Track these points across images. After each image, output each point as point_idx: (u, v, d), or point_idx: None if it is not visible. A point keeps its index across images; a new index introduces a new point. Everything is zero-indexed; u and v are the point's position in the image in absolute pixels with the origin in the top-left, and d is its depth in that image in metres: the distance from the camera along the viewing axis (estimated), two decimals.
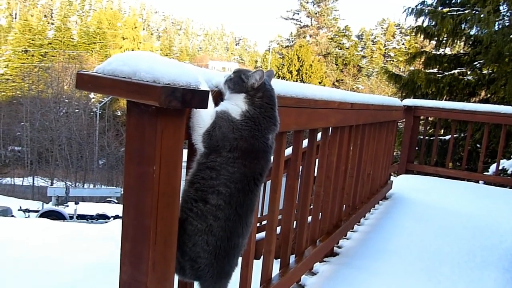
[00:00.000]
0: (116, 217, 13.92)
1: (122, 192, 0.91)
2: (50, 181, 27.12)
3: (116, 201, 19.30)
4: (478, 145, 7.63)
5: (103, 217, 14.30)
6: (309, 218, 2.13)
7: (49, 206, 16.17)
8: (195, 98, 0.80)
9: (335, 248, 2.51)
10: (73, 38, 45.76)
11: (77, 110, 31.77)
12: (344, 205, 2.62)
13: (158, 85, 0.75)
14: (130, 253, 0.88)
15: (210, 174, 0.99)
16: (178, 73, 0.81)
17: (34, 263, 3.26)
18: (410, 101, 4.90)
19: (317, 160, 2.11)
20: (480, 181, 5.24)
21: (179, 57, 55.72)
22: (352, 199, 2.79)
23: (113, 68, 0.82)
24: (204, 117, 0.99)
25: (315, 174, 2.14)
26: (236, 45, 75.47)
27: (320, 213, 2.22)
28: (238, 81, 1.07)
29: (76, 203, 15.27)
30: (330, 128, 2.11)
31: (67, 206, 15.95)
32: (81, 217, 14.32)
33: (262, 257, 1.65)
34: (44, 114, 29.32)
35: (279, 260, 1.80)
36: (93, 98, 37.01)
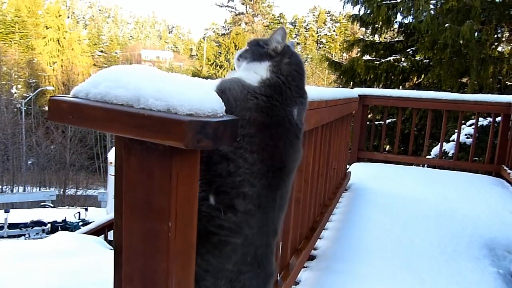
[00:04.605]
0: (54, 223, 12.61)
1: (113, 248, 0.69)
2: None
3: (52, 205, 17.75)
4: (415, 129, 8.04)
5: (39, 224, 12.82)
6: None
7: None
8: (227, 131, 0.59)
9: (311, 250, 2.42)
10: None
11: None
12: (317, 205, 2.53)
13: (184, 119, 0.53)
14: None
15: (228, 167, 0.79)
16: (200, 97, 0.58)
17: None
18: (359, 90, 4.94)
19: None
20: (424, 165, 5.48)
21: (109, 46, 52.89)
22: (323, 197, 2.71)
23: (103, 92, 0.59)
24: None
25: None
26: (169, 33, 73.28)
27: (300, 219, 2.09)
28: (256, 49, 0.91)
29: (6, 211, 13.66)
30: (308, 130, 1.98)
31: None
32: (13, 226, 12.68)
33: None
34: None
35: None
36: (15, 93, 33.96)
